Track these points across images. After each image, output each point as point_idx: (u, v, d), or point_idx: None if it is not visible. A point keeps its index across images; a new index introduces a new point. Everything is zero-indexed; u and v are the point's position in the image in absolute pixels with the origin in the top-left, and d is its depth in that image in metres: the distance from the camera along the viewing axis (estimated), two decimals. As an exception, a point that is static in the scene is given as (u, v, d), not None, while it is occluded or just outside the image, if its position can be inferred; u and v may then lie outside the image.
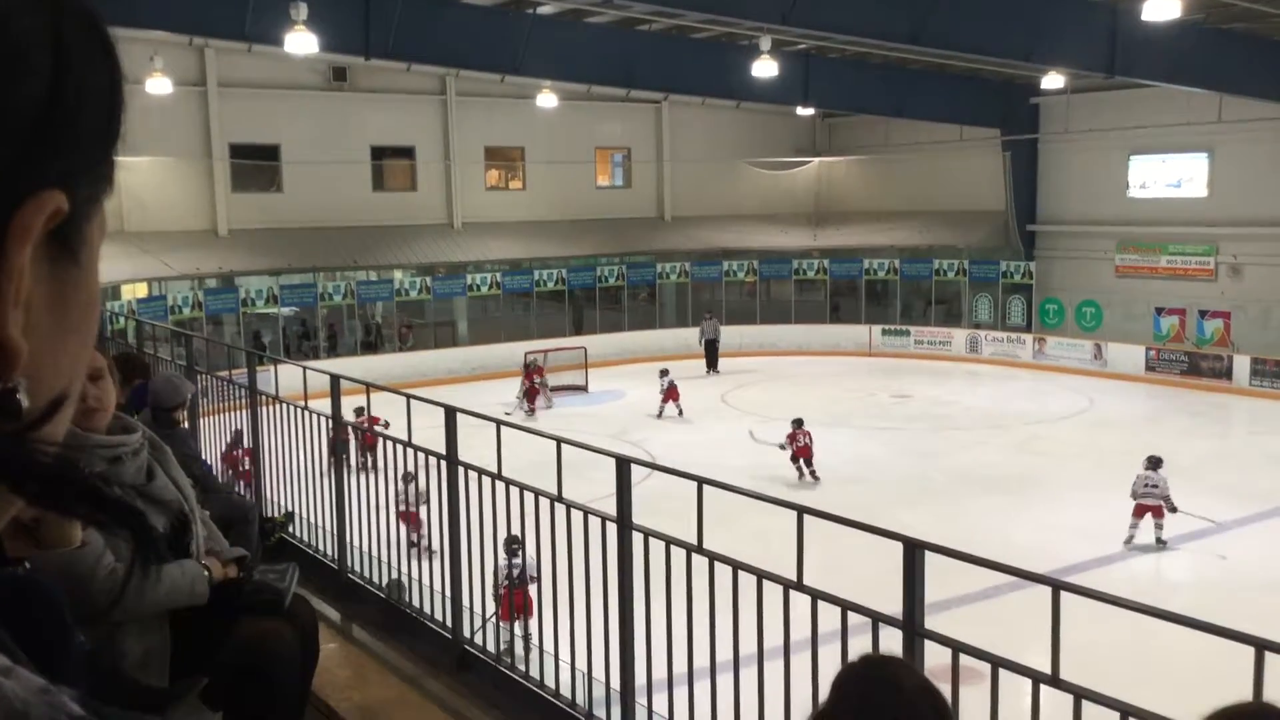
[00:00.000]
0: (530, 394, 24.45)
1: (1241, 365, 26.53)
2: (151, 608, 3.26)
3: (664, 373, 24.79)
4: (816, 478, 18.62)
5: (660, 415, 24.11)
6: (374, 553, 6.43)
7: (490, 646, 5.55)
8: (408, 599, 6.12)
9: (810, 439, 18.94)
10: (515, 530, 5.14)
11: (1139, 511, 15.09)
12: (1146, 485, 15.09)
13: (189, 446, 6.17)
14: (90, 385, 2.75)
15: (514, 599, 6.30)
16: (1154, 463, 15.32)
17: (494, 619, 5.77)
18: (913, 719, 1.87)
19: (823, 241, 34.64)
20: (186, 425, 6.90)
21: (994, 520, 15.77)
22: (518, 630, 5.86)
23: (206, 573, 3.51)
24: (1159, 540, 15.02)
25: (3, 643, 0.61)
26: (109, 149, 0.60)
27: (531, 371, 24.98)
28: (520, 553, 6.33)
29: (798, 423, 19.18)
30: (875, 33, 20.50)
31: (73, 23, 0.57)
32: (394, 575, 6.31)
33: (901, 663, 2.16)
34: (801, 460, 18.84)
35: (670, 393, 24.12)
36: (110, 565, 3.14)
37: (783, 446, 19.00)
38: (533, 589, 7.05)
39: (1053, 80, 26.32)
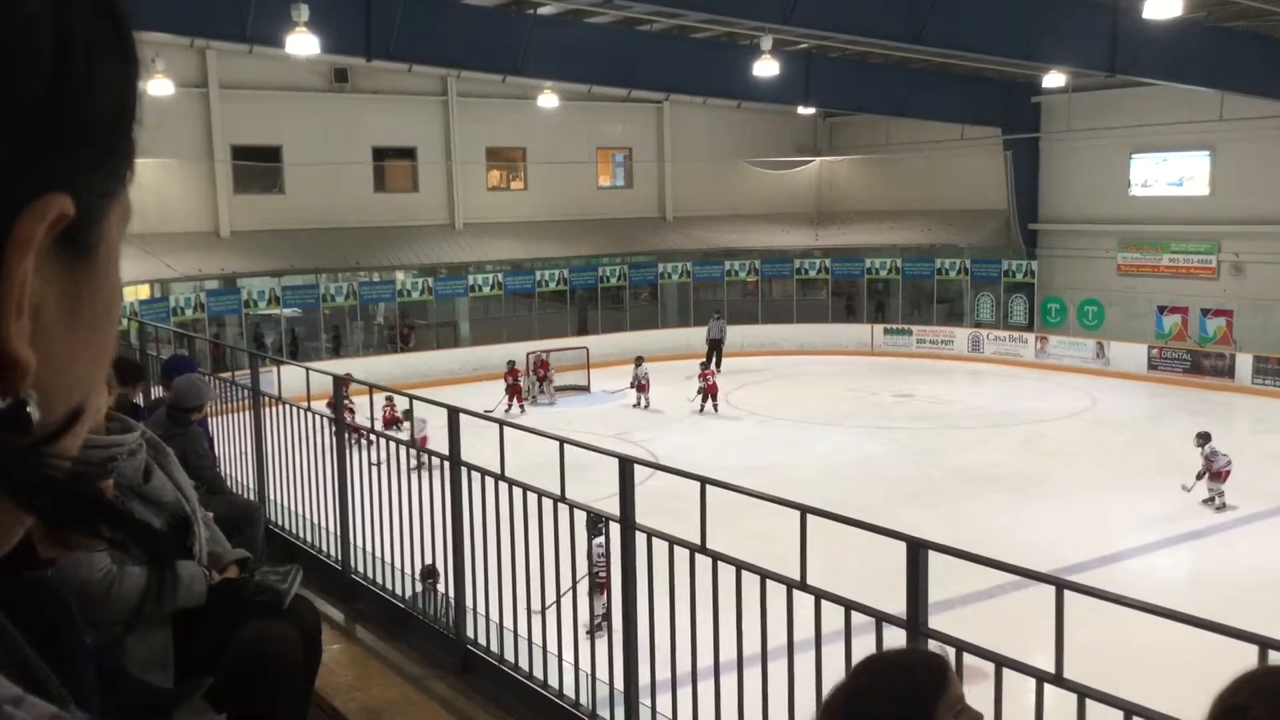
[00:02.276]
0: (510, 391, 24.35)
1: (1244, 363, 26.51)
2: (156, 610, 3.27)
3: (639, 361, 24.97)
4: (716, 410, 23.89)
5: (638, 404, 24.62)
6: (380, 554, 6.42)
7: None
8: (438, 589, 6.01)
9: (714, 378, 24.39)
10: (518, 530, 5.13)
11: (1223, 478, 16.43)
12: (1221, 454, 16.38)
13: (200, 447, 6.17)
14: None
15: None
16: (1209, 437, 16.56)
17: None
18: (905, 691, 1.84)
19: (824, 241, 34.61)
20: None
21: (997, 519, 15.76)
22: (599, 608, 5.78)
23: (205, 573, 3.52)
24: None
25: (20, 653, 0.60)
26: (124, 139, 0.55)
27: (512, 370, 24.88)
28: (604, 532, 6.21)
29: (704, 364, 25.46)
30: (876, 32, 20.50)
31: (83, 10, 0.52)
32: (427, 562, 6.04)
33: (897, 651, 2.15)
34: (710, 397, 23.85)
35: (643, 383, 24.62)
36: (106, 566, 3.15)
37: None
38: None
39: (1054, 79, 26.32)
